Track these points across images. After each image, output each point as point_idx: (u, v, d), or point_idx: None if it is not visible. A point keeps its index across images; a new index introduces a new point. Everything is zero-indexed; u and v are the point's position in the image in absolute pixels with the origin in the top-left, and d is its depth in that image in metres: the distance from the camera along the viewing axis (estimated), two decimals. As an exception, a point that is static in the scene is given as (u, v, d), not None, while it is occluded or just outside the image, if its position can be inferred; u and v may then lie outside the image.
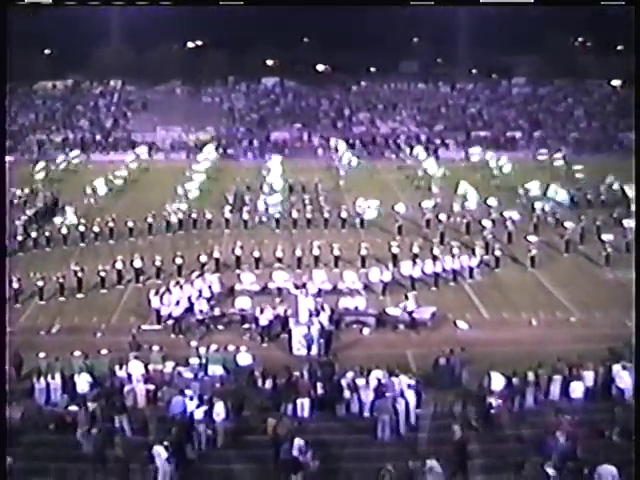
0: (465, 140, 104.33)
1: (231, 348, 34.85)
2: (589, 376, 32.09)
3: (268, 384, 31.99)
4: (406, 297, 41.78)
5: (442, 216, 59.30)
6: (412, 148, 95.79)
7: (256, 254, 50.44)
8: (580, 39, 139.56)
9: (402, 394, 30.39)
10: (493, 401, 30.13)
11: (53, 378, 31.92)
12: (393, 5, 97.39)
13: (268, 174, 77.05)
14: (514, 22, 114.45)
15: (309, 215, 61.28)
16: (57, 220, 61.47)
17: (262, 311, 39.27)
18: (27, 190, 71.73)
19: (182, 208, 62.93)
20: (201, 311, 40.60)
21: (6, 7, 40.82)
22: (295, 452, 26.38)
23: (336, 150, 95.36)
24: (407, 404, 30.08)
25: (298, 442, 26.57)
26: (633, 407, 28.82)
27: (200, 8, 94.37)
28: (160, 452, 26.30)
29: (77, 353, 33.73)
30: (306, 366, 32.78)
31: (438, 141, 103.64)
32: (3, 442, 25.53)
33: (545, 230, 57.95)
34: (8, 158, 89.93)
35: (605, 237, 53.39)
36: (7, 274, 44.09)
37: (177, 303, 40.79)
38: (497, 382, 30.94)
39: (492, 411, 29.98)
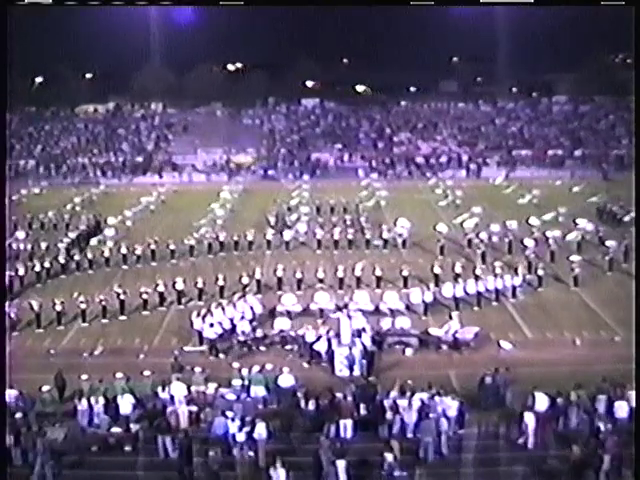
0: (506, 159, 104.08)
1: (272, 369, 34.78)
2: (634, 396, 31.68)
3: (311, 405, 31.72)
4: (450, 317, 41.57)
5: (483, 235, 59.04)
6: (451, 167, 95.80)
7: (298, 275, 50.42)
8: (621, 55, 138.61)
9: (445, 415, 30.22)
10: (602, 425, 29.66)
11: (96, 400, 31.95)
12: (392, 5, 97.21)
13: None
14: (554, 40, 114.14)
15: (350, 236, 61.13)
16: (93, 241, 62.34)
17: (305, 332, 39.20)
18: (68, 213, 72.76)
19: (219, 230, 63.37)
20: (243, 332, 40.55)
21: (6, 7, 41.01)
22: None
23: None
24: (450, 425, 29.92)
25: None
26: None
27: (240, 31, 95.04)
28: (280, 475, 26.27)
29: (120, 375, 33.74)
30: (349, 387, 32.62)
31: (480, 160, 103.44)
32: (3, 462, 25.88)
33: (588, 249, 57.48)
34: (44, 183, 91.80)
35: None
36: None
37: (219, 324, 40.79)
38: (541, 402, 30.65)
39: (600, 436, 29.43)
